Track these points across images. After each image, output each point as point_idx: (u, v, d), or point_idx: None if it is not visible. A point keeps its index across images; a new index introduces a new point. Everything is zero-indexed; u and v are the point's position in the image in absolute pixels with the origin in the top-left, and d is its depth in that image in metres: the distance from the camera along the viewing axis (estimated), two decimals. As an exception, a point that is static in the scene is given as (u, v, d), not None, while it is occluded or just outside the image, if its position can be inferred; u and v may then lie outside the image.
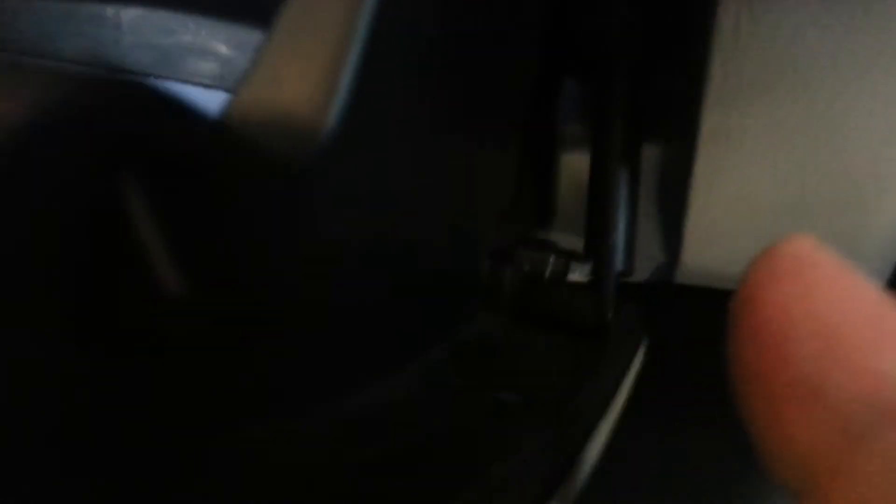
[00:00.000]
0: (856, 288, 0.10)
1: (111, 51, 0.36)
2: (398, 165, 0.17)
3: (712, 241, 0.28)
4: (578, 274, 0.24)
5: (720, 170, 0.26)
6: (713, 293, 0.31)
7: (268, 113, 0.13)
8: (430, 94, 0.18)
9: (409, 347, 0.20)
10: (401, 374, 0.19)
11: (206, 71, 0.36)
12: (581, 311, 0.24)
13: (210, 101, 0.35)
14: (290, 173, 0.13)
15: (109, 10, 0.35)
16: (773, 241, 0.11)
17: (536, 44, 0.26)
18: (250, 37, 0.34)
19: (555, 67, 0.28)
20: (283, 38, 0.13)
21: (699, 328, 0.27)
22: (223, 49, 0.35)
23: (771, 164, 0.25)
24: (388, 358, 0.19)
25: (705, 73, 0.24)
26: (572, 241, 0.30)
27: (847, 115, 0.23)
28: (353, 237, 0.16)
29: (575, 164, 0.29)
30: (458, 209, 0.22)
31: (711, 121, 0.25)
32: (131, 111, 0.12)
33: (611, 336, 0.24)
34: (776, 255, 0.11)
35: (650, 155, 0.28)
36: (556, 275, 0.24)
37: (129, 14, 0.35)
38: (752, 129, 0.24)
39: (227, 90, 0.35)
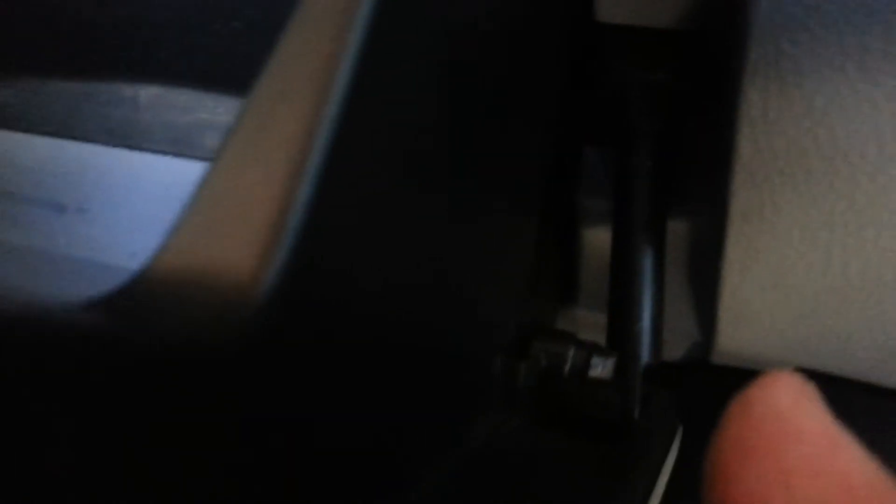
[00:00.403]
0: (841, 469, 0.09)
1: (129, 130, 0.36)
2: (383, 277, 0.16)
3: (748, 323, 0.25)
4: (601, 368, 0.22)
5: (753, 250, 0.24)
6: (750, 374, 0.28)
7: (189, 276, 0.11)
8: (424, 187, 0.17)
9: (409, 466, 0.18)
10: (400, 499, 0.17)
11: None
12: (605, 410, 0.22)
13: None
14: (214, 350, 0.11)
15: (127, 90, 0.35)
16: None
17: (553, 114, 0.25)
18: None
19: (574, 137, 0.27)
20: (220, 172, 0.11)
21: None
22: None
23: (809, 244, 0.23)
24: (385, 482, 0.17)
25: (733, 147, 0.22)
26: (597, 319, 0.28)
27: (893, 190, 0.21)
28: (328, 371, 0.14)
29: (599, 240, 0.28)
30: (468, 298, 0.21)
31: (742, 198, 0.23)
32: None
33: (639, 436, 0.22)
34: (753, 410, 0.10)
35: (680, 228, 0.27)
36: (577, 370, 0.22)
37: (148, 93, 0.35)
38: (787, 208, 0.22)
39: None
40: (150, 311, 0.10)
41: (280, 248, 0.11)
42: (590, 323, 0.28)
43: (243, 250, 0.10)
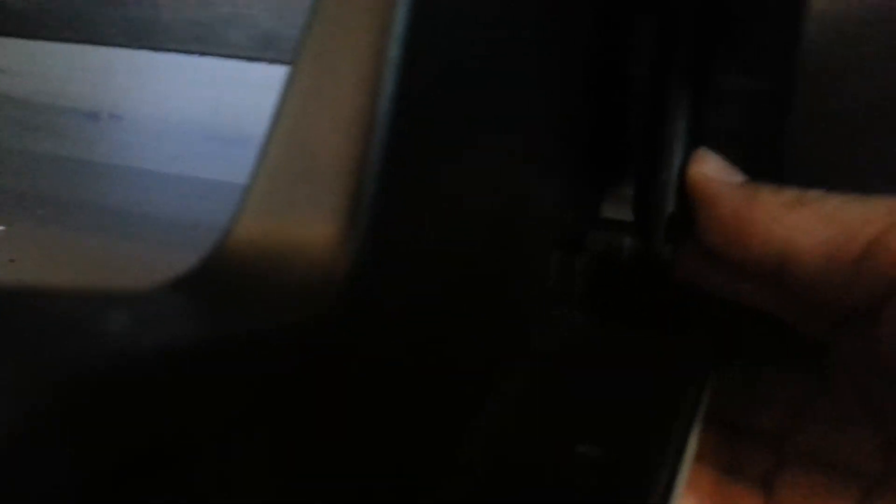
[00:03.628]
0: None
1: (150, 30, 0.34)
2: (454, 199, 0.15)
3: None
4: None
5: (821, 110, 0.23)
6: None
7: (269, 248, 0.10)
8: (485, 89, 0.16)
9: (480, 373, 0.19)
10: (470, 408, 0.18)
11: (246, 43, 0.34)
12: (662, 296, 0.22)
13: (251, 73, 0.34)
14: (302, 320, 0.10)
15: (146, -11, 0.33)
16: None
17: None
18: (291, 4, 0.32)
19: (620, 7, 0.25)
20: (285, 129, 0.10)
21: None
22: (264, 18, 0.33)
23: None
24: (460, 390, 0.18)
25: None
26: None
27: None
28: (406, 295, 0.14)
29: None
30: (526, 195, 0.20)
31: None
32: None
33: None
34: None
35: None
36: (633, 259, 0.22)
37: (165, -11, 0.33)
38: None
39: (268, 62, 0.34)
40: (231, 287, 0.10)
41: (361, 210, 0.10)
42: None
43: (324, 217, 0.10)
